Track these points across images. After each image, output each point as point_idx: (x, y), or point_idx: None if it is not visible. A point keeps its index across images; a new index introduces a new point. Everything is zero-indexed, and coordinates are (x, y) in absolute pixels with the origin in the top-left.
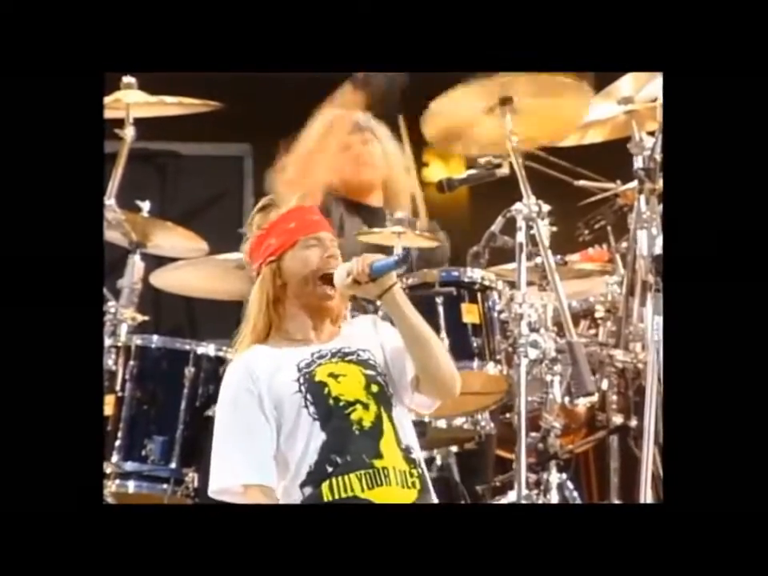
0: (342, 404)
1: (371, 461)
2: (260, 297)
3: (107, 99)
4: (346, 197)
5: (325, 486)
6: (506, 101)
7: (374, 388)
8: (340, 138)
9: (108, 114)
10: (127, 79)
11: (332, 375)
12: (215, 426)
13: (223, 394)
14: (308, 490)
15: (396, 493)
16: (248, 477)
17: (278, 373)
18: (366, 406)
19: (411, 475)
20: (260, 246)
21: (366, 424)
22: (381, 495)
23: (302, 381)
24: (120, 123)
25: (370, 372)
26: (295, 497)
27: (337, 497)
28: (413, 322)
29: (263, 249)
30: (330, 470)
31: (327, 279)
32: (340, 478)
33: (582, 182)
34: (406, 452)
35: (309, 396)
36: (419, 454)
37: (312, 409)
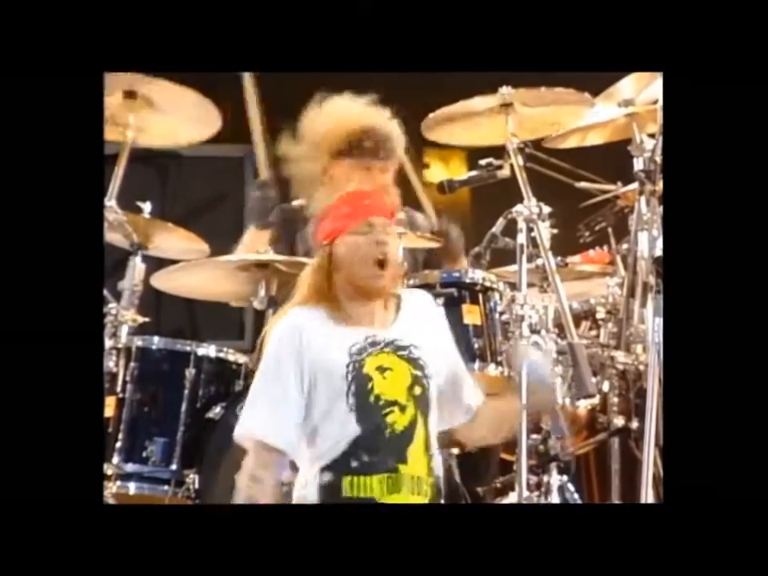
0: (381, 403)
1: (396, 465)
2: (311, 277)
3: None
4: None
5: (346, 481)
6: (506, 105)
7: (417, 390)
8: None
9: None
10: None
11: (380, 368)
12: (256, 373)
13: (270, 345)
14: (327, 477)
15: (405, 499)
16: (264, 433)
17: (329, 351)
18: (403, 409)
19: (426, 483)
20: (318, 227)
21: (398, 428)
22: (395, 500)
23: (350, 368)
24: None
25: (417, 372)
26: (311, 480)
27: (356, 495)
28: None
29: (320, 231)
30: (354, 464)
31: (379, 263)
32: (363, 478)
33: (582, 184)
34: (430, 459)
35: (353, 387)
36: (439, 460)
37: (352, 399)
